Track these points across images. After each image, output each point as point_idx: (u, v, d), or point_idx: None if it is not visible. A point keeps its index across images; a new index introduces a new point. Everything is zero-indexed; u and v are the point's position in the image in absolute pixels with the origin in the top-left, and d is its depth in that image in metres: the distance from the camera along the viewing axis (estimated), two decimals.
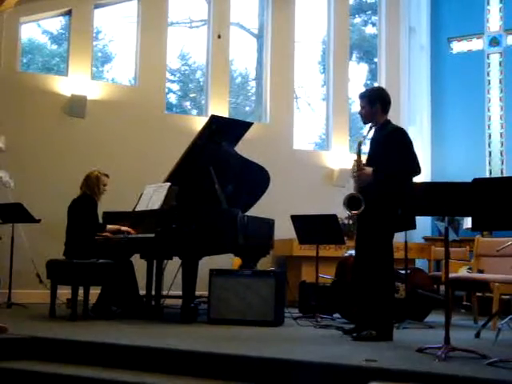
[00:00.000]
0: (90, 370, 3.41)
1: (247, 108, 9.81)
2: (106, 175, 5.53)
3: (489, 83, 8.86)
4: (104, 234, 5.34)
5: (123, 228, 5.30)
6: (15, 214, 6.05)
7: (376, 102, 4.34)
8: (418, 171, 4.18)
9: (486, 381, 2.82)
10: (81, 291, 5.11)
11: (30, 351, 3.67)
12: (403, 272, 5.36)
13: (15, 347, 3.67)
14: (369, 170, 4.21)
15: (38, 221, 6.13)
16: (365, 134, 4.49)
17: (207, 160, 5.42)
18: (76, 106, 7.26)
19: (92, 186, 5.39)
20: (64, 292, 5.52)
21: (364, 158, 4.33)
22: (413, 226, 4.59)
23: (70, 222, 5.35)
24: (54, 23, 8.24)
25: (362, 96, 4.42)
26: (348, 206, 4.23)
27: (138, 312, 5.27)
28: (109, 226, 5.37)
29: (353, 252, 5.67)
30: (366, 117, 4.38)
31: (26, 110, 7.11)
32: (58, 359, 3.61)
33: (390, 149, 4.19)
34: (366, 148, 4.48)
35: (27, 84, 7.18)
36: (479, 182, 3.24)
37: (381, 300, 4.12)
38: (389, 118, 4.42)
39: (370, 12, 10.27)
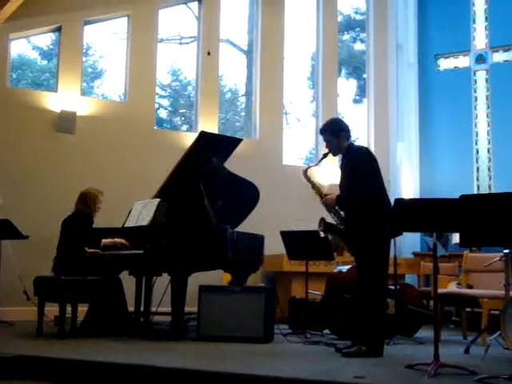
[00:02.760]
0: None
1: (237, 123, 9.85)
2: (101, 193, 5.51)
3: (476, 100, 8.96)
4: (91, 250, 5.30)
5: (117, 240, 5.27)
6: (3, 230, 6.00)
7: (340, 133, 4.41)
8: (374, 199, 4.21)
9: None
10: (69, 308, 5.07)
11: (16, 370, 3.62)
12: (393, 287, 5.36)
13: (1, 366, 3.62)
14: (333, 195, 4.36)
15: (26, 237, 6.09)
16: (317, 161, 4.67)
17: (197, 176, 5.42)
18: (65, 122, 7.25)
19: (89, 204, 5.36)
20: (52, 309, 5.46)
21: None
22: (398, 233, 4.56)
23: (63, 238, 5.29)
24: (44, 39, 8.26)
25: (323, 131, 4.47)
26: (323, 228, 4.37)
27: (127, 329, 5.23)
28: (104, 240, 5.33)
29: (342, 268, 5.69)
30: (335, 149, 4.45)
31: (16, 126, 7.09)
32: (46, 378, 3.57)
33: (355, 173, 4.28)
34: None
35: (17, 100, 7.16)
36: (466, 199, 3.26)
37: (372, 315, 4.12)
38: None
39: (358, 29, 10.38)
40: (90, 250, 5.28)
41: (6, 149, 6.98)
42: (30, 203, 6.86)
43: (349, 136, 4.45)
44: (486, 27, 9.03)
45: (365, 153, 4.39)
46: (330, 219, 4.45)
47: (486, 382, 3.10)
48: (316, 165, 4.79)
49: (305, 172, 4.63)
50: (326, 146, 4.46)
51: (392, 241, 5.25)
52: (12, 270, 6.28)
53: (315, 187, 4.52)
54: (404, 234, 7.08)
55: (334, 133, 4.40)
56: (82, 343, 4.60)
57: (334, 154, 4.52)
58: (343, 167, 4.49)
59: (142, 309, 5.52)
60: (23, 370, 3.62)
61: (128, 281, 5.55)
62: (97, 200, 5.40)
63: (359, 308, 4.20)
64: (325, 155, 4.52)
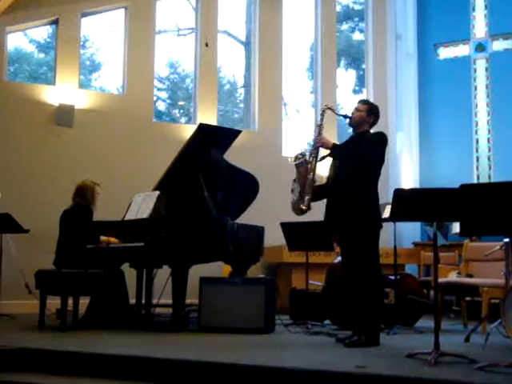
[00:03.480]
0: (80, 380, 3.39)
1: (236, 115, 9.83)
2: (98, 184, 5.51)
3: (475, 89, 8.93)
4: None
5: (112, 240, 5.28)
6: (3, 224, 6.01)
7: (373, 115, 4.42)
8: (373, 162, 4.25)
9: None
10: (70, 301, 5.08)
11: (19, 363, 3.63)
12: (393, 277, 5.37)
13: (4, 359, 3.63)
14: (330, 141, 4.38)
15: (27, 231, 6.09)
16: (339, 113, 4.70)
17: (196, 168, 5.42)
18: (64, 116, 7.24)
19: (88, 197, 5.35)
20: (53, 302, 5.47)
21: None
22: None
23: (63, 232, 5.29)
24: (41, 32, 8.24)
25: (365, 102, 4.53)
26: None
27: (128, 321, 5.25)
28: (101, 238, 5.33)
29: None
30: (357, 120, 4.41)
31: (14, 120, 7.08)
32: (48, 370, 3.58)
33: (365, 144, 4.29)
34: None
35: (14, 93, 7.15)
36: (467, 188, 3.26)
37: (369, 305, 4.15)
38: (377, 123, 4.51)
39: (357, 19, 10.35)
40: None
41: (4, 142, 6.97)
42: (30, 197, 6.87)
43: (373, 124, 4.45)
44: (485, 15, 8.99)
45: (385, 138, 4.37)
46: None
47: (486, 370, 3.11)
48: (336, 113, 4.76)
49: (326, 108, 4.56)
50: (353, 112, 4.44)
51: (393, 230, 5.30)
52: (13, 264, 6.30)
53: (321, 126, 4.47)
54: (404, 223, 7.11)
55: (370, 111, 4.40)
56: (83, 336, 4.62)
57: (350, 124, 4.46)
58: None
59: (143, 301, 5.54)
60: (25, 363, 3.64)
61: (129, 273, 5.56)
62: (95, 191, 5.40)
63: (356, 298, 4.21)
64: (346, 116, 4.50)
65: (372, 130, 4.49)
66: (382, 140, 4.33)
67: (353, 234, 4.22)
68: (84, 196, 5.35)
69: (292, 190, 4.46)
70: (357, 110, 4.43)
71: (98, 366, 3.54)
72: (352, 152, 4.29)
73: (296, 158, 4.43)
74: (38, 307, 5.12)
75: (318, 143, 4.39)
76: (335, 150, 4.34)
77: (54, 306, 5.69)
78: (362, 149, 4.22)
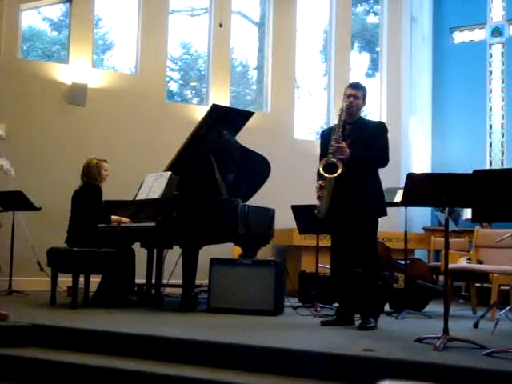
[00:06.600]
0: (89, 357, 3.44)
1: (248, 97, 9.78)
2: (105, 160, 5.51)
3: (490, 74, 8.83)
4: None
5: (123, 219, 5.30)
6: (16, 201, 6.06)
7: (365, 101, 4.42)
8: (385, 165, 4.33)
9: (484, 371, 2.84)
10: (81, 279, 5.14)
11: (30, 338, 3.69)
12: (403, 262, 5.37)
13: (16, 334, 3.69)
14: (347, 150, 4.15)
15: (39, 209, 6.14)
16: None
17: (208, 149, 5.42)
18: (77, 94, 7.24)
19: (94, 175, 5.37)
20: (65, 280, 5.53)
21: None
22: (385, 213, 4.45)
23: (75, 212, 5.31)
24: (55, 10, 8.20)
25: (361, 87, 4.35)
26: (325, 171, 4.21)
27: (129, 300, 5.29)
28: (112, 217, 5.35)
29: None
30: (357, 109, 4.34)
31: (27, 98, 7.09)
32: (59, 347, 3.64)
33: (380, 139, 4.31)
34: None
35: (27, 71, 7.15)
36: (480, 174, 3.24)
37: (377, 287, 4.32)
38: (390, 107, 4.51)
39: (372, 1, 10.21)
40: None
41: (17, 121, 6.99)
42: (42, 175, 6.90)
43: None
44: None
45: (386, 127, 4.48)
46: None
47: (494, 356, 3.12)
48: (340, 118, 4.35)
49: (340, 116, 4.27)
50: (352, 101, 4.26)
51: (404, 215, 5.32)
52: (25, 241, 6.36)
53: (338, 129, 4.20)
54: (415, 208, 7.11)
55: (364, 96, 4.38)
56: (93, 313, 4.67)
57: (349, 113, 4.27)
58: (353, 135, 4.29)
59: (153, 280, 5.57)
60: (37, 339, 3.69)
61: (140, 253, 5.59)
62: (101, 168, 5.39)
63: (367, 281, 4.27)
64: (340, 119, 4.23)
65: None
66: (387, 136, 4.35)
67: (364, 220, 4.25)
68: (90, 174, 5.36)
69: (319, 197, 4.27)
70: (354, 97, 4.26)
71: (107, 343, 3.58)
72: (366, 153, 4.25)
73: (329, 170, 4.18)
74: (50, 284, 5.17)
75: (344, 155, 4.14)
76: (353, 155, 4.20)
77: (65, 284, 5.75)
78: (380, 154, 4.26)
